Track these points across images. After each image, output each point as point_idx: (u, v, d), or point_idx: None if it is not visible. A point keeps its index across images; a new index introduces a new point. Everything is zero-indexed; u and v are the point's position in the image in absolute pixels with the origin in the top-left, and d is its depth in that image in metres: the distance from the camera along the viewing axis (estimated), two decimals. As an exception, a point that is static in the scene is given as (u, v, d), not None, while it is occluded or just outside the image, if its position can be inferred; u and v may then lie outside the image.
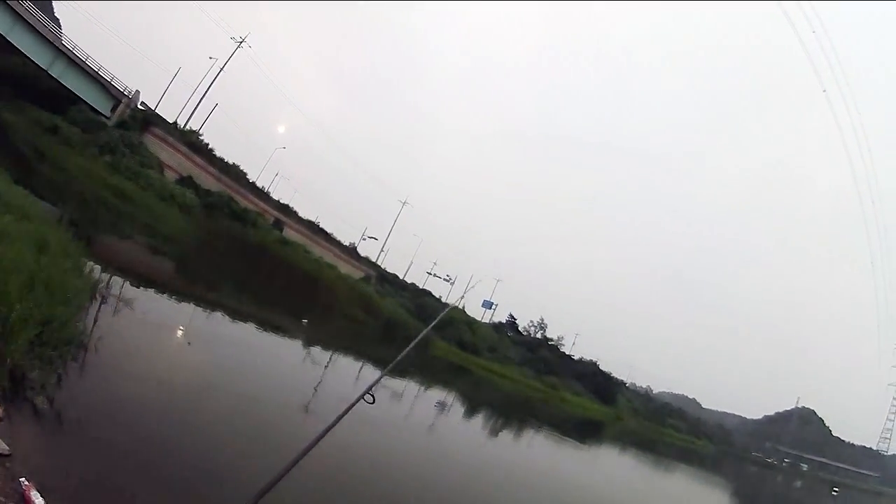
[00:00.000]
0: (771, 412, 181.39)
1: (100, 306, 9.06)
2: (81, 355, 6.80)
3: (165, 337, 11.27)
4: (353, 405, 2.73)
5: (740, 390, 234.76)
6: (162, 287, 16.52)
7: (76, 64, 39.95)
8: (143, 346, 9.34)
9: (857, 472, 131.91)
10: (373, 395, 3.13)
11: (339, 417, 2.62)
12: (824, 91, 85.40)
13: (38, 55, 37.46)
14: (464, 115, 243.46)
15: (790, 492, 61.23)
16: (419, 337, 4.23)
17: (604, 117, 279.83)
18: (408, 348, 3.90)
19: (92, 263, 10.64)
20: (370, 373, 19.55)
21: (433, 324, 4.99)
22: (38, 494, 1.83)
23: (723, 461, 77.38)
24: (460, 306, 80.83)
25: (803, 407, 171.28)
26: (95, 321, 8.13)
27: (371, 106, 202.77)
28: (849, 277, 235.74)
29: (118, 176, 32.76)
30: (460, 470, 12.30)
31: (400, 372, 23.76)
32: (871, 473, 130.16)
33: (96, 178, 29.03)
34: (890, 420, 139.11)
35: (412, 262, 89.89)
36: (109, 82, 42.62)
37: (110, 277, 12.17)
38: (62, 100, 39.37)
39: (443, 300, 72.23)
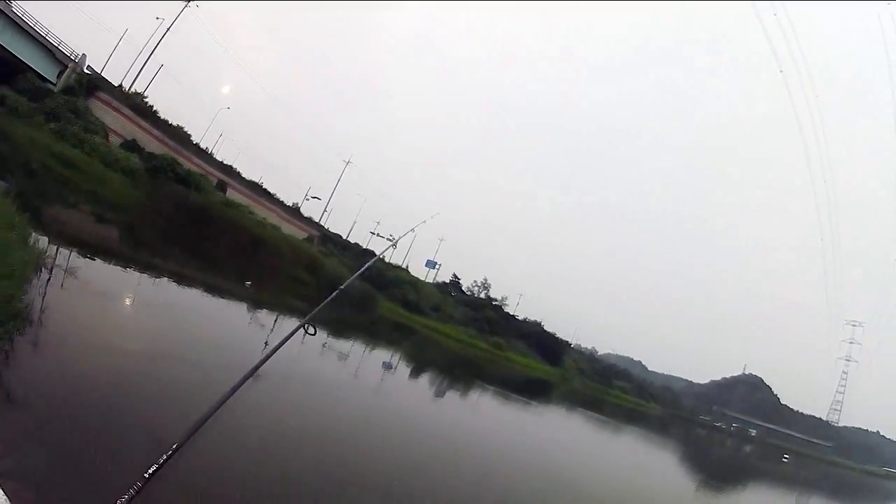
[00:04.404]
0: (717, 377, 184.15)
1: (47, 279, 9.26)
2: (28, 329, 6.79)
3: (112, 306, 11.60)
4: (291, 334, 2.90)
5: (686, 354, 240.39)
6: (107, 255, 16.67)
7: (25, 31, 38.56)
8: (90, 316, 9.61)
9: (807, 441, 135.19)
10: (314, 327, 3.32)
11: (278, 346, 2.75)
12: (781, 72, 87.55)
13: (-13, 25, 35.91)
14: (411, 75, 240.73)
15: (740, 456, 63.13)
16: (351, 279, 4.47)
17: (554, 81, 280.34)
18: (336, 291, 4.09)
19: (37, 235, 10.78)
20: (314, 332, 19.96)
21: (361, 270, 5.33)
22: None
23: (671, 424, 79.82)
24: (404, 266, 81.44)
25: (751, 374, 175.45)
26: (41, 294, 8.22)
27: (316, 65, 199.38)
28: (798, 250, 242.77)
29: (63, 143, 31.96)
30: (407, 432, 12.61)
31: (346, 333, 24.36)
32: (822, 443, 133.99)
33: (42, 147, 28.29)
34: (840, 392, 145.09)
35: (355, 222, 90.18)
36: (56, 47, 41.36)
37: (57, 248, 12.27)
38: (9, 68, 38.16)
39: (386, 259, 72.84)
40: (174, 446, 1.95)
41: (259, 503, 5.85)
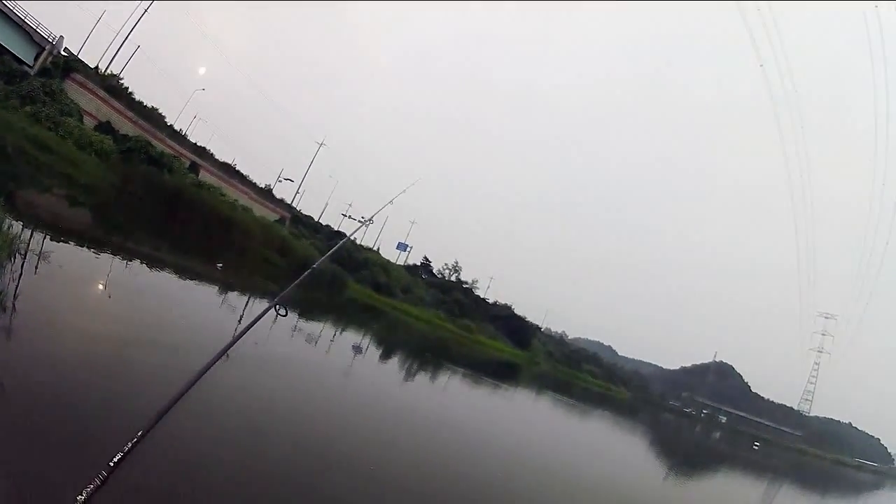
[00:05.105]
0: (687, 364, 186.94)
1: (21, 264, 9.28)
2: (1, 315, 6.81)
3: (85, 290, 11.79)
4: (260, 316, 2.87)
5: (657, 340, 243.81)
6: (81, 239, 16.85)
7: (4, 14, 38.27)
8: (63, 302, 9.80)
9: (777, 429, 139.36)
10: (285, 308, 3.26)
11: (247, 328, 2.72)
12: (761, 66, 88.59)
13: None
14: (386, 56, 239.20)
15: (709, 442, 64.07)
16: (323, 258, 4.63)
17: (530, 65, 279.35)
18: (308, 270, 4.12)
19: (11, 220, 10.87)
20: (285, 314, 20.13)
21: (334, 249, 5.36)
22: None
23: (640, 408, 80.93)
24: (375, 248, 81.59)
25: (721, 361, 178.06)
26: (14, 280, 8.21)
27: (291, 46, 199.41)
28: (773, 241, 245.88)
29: (38, 126, 31.90)
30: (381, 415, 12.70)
31: (316, 314, 24.61)
32: (793, 431, 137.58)
33: (17, 130, 28.11)
34: (811, 383, 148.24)
35: (327, 204, 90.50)
36: (35, 30, 41.07)
37: (31, 233, 12.43)
38: (-13, 52, 37.63)
39: (357, 242, 73.38)
40: (140, 433, 1.89)
41: (230, 487, 5.80)
